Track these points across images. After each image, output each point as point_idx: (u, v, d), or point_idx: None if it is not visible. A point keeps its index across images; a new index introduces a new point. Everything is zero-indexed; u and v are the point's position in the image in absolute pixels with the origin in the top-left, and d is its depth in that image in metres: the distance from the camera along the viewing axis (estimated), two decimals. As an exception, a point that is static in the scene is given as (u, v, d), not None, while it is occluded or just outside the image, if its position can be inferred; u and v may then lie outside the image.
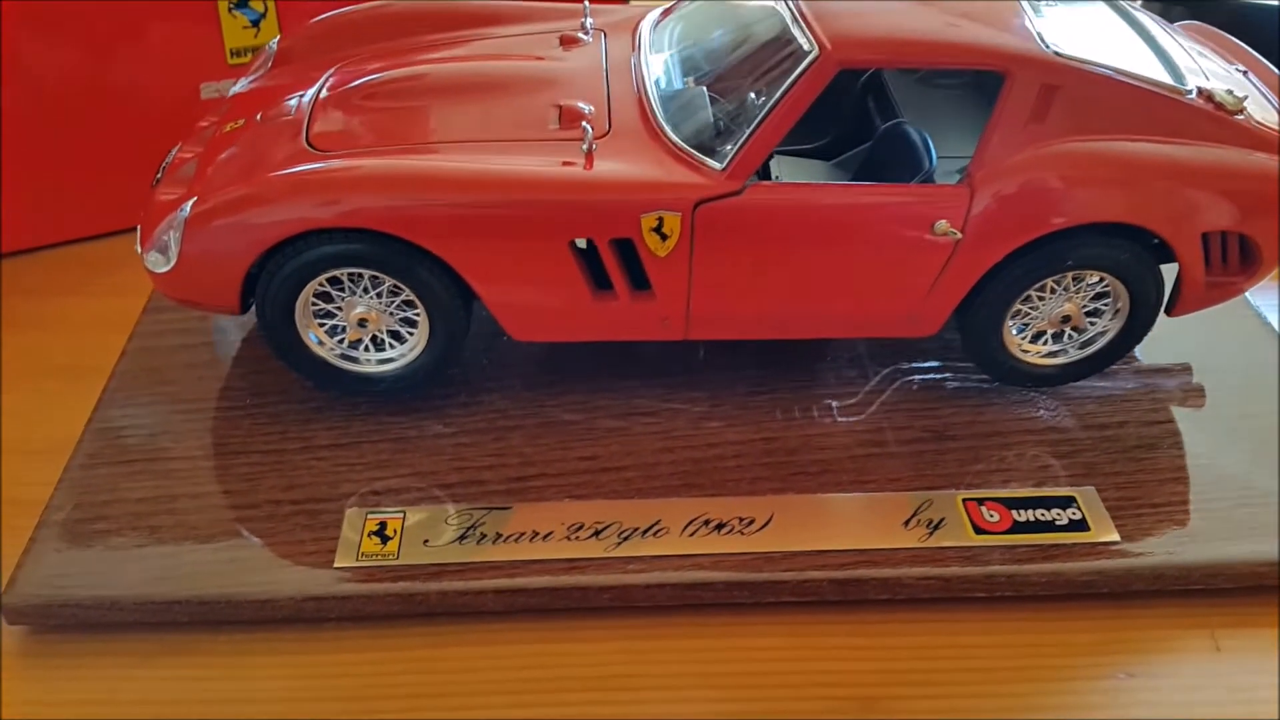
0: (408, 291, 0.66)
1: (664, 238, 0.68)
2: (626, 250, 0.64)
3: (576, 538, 0.64)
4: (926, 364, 0.75)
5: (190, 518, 0.65)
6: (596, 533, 0.65)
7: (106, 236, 0.96)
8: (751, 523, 0.69)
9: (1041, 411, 0.76)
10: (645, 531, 0.68)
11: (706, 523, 0.65)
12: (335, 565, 0.62)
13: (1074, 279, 0.72)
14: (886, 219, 0.69)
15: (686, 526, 0.65)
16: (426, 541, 0.64)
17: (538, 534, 0.64)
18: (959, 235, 0.68)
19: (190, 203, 0.70)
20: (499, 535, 0.64)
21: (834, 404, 0.72)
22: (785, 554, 0.66)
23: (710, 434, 0.70)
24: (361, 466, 0.68)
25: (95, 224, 0.97)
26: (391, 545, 0.64)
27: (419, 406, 0.71)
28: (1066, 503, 0.70)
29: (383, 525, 0.65)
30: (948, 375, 0.75)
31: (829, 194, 0.64)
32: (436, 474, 0.67)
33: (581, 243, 0.64)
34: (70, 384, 0.74)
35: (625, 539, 0.66)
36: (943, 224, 0.68)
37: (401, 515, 0.66)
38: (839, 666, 0.62)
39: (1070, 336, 0.76)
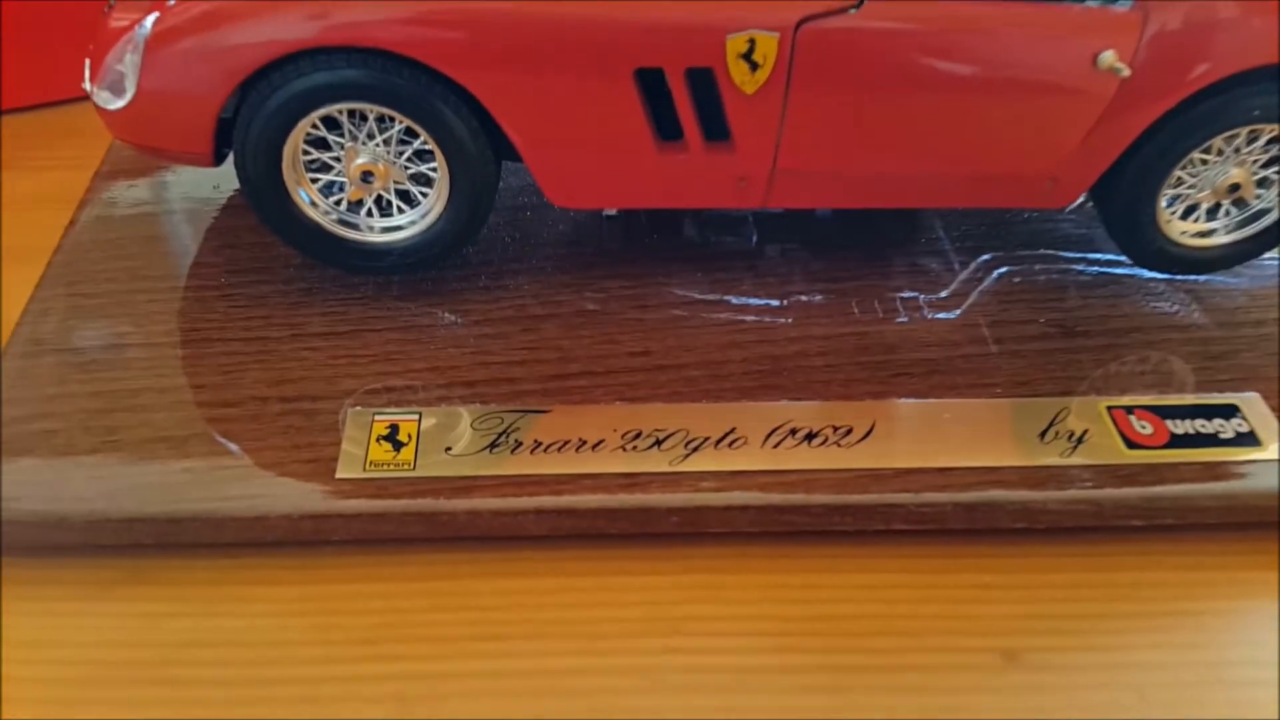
0: (423, 137, 0.59)
1: (754, 67, 0.55)
2: (703, 86, 0.57)
3: (634, 448, 0.58)
4: (1034, 250, 0.69)
5: (156, 417, 0.58)
6: (658, 442, 0.58)
7: (48, 107, 0.88)
8: (849, 432, 0.59)
9: (1177, 307, 0.66)
10: (719, 441, 0.58)
11: (793, 432, 0.59)
12: (337, 476, 0.55)
13: (1248, 138, 0.59)
14: (1039, 48, 0.56)
15: (769, 436, 0.58)
16: (449, 450, 0.57)
17: (585, 443, 0.57)
18: (1126, 72, 0.55)
19: (151, 19, 0.57)
20: (537, 444, 0.57)
21: (921, 297, 0.66)
22: (896, 471, 0.57)
23: (786, 328, 0.63)
24: (365, 359, 0.61)
25: (34, 92, 0.89)
26: (406, 453, 0.57)
27: (432, 289, 0.65)
28: (1229, 412, 0.60)
29: (394, 429, 0.58)
30: (1060, 263, 0.68)
31: (967, 13, 0.54)
32: (456, 369, 0.61)
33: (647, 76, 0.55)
34: (9, 269, 0.69)
35: (694, 450, 0.58)
36: (1108, 56, 0.55)
37: (416, 417, 0.59)
38: (968, 610, 0.52)
39: (1228, 213, 0.63)
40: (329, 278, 0.65)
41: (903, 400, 0.60)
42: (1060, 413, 0.60)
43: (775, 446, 0.58)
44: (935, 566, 0.54)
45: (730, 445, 0.57)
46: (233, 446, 0.57)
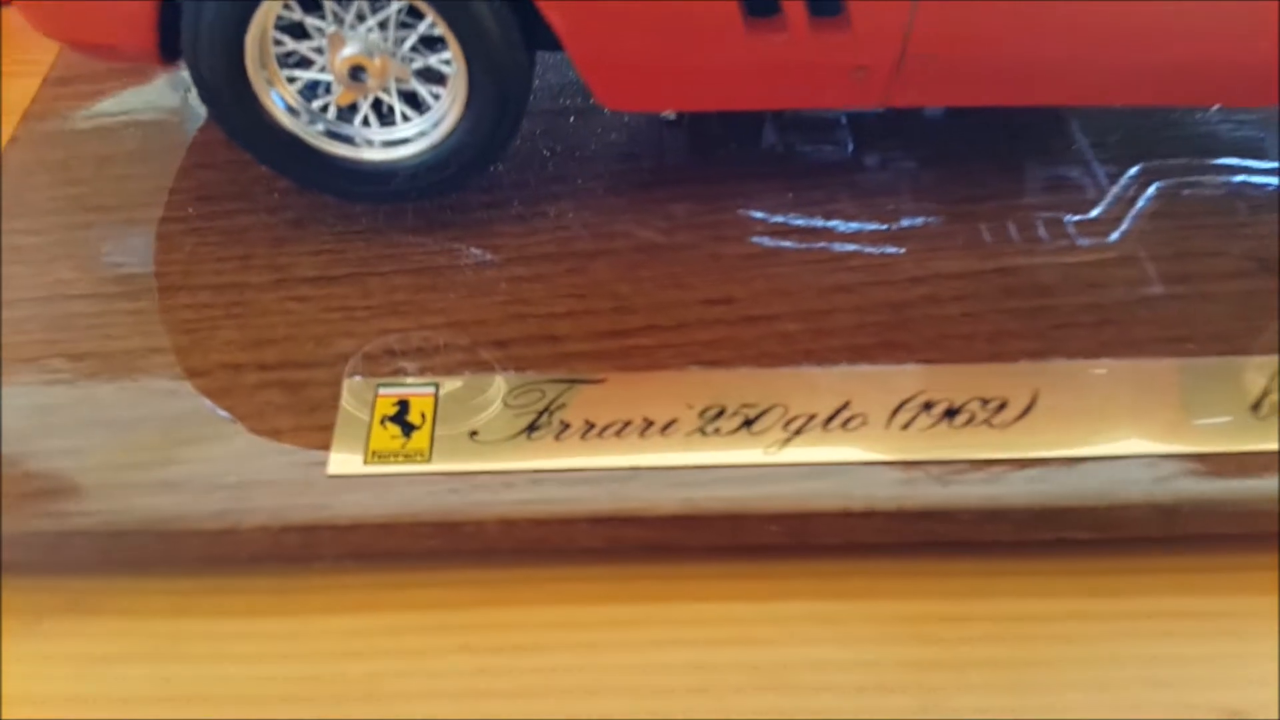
0: (431, 17, 0.49)
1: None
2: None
3: (716, 430, 0.48)
4: (1197, 160, 0.60)
5: (99, 392, 0.50)
6: (748, 422, 0.48)
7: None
8: (1002, 407, 0.48)
9: None
10: (828, 420, 0.48)
11: (927, 406, 0.48)
12: (330, 472, 0.47)
13: None
14: None
15: (895, 413, 0.48)
16: (475, 434, 0.48)
17: (651, 424, 0.48)
18: None
19: None
20: (590, 425, 0.48)
21: (1068, 219, 0.56)
22: (1068, 460, 0.47)
23: (904, 263, 0.54)
24: (366, 312, 0.52)
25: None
26: (419, 439, 0.47)
27: (452, 221, 0.57)
28: None
29: (403, 407, 0.48)
30: (1229, 174, 0.59)
31: None
32: (484, 325, 0.52)
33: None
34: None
35: (796, 432, 0.48)
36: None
37: (433, 390, 0.49)
38: (1178, 651, 0.42)
39: None
40: (322, 206, 0.57)
41: (1070, 362, 0.50)
42: (1275, 378, 0.49)
43: (905, 427, 0.48)
44: (1129, 587, 0.45)
45: (844, 425, 0.48)
46: (201, 429, 0.49)
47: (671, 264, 0.55)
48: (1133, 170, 0.59)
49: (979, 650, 0.44)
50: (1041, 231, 0.56)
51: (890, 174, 0.60)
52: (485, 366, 0.51)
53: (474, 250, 0.56)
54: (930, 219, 0.58)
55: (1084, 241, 0.56)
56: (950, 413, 0.48)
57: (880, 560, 0.46)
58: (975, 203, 0.58)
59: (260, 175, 0.59)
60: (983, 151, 0.61)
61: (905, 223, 0.57)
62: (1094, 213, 0.57)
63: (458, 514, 0.45)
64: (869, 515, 0.46)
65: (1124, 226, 0.57)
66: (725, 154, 0.61)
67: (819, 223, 0.58)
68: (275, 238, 0.57)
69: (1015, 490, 0.46)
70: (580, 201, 0.59)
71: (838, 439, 0.48)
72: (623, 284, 0.54)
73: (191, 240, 0.57)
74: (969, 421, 0.48)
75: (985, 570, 0.46)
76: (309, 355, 0.51)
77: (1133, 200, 0.58)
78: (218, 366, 0.51)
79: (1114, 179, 0.59)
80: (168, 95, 0.67)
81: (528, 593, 0.46)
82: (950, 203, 0.58)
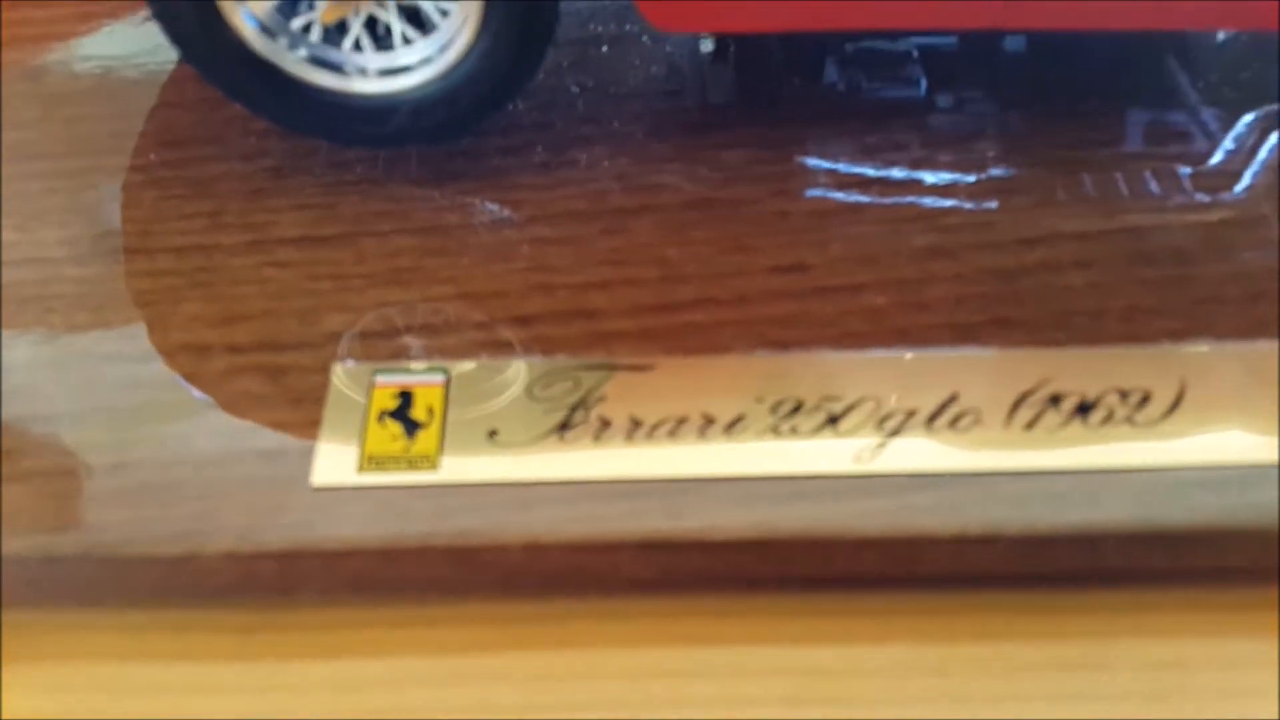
0: None
1: None
2: None
3: (793, 430, 0.41)
4: None
5: (35, 379, 0.44)
6: (831, 420, 0.41)
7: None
8: (1146, 401, 0.42)
9: None
10: (932, 417, 0.41)
11: (1053, 400, 0.42)
12: (314, 483, 0.40)
13: None
14: None
15: (1015, 408, 0.42)
16: (494, 434, 0.41)
17: (711, 421, 0.41)
18: None
19: None
20: (636, 423, 0.41)
21: (1183, 170, 0.51)
22: (1232, 468, 0.40)
23: (1015, 222, 0.49)
24: (361, 280, 0.47)
25: None
26: (426, 441, 0.41)
27: (463, 170, 0.52)
28: None
29: (406, 399, 0.42)
30: None
31: None
32: (503, 298, 0.46)
33: None
34: None
35: (893, 433, 0.41)
36: None
37: (442, 378, 0.43)
38: None
39: None
40: (309, 151, 0.52)
41: (1220, 344, 0.44)
42: None
43: (1029, 426, 0.41)
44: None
45: (953, 424, 0.41)
46: (150, 432, 0.42)
47: (728, 223, 0.49)
48: (1248, 116, 0.54)
49: (1129, 707, 0.38)
50: (1154, 185, 0.51)
51: (971, 117, 0.55)
52: (506, 349, 0.44)
53: (490, 206, 0.50)
54: (1024, 169, 0.52)
55: (1203, 197, 0.50)
56: (1084, 408, 0.41)
57: (1004, 595, 0.40)
58: (1072, 150, 0.52)
59: (236, 115, 0.53)
60: (1071, 91, 0.56)
61: (996, 172, 0.52)
62: (1211, 163, 0.52)
63: (473, 536, 0.39)
64: (989, 541, 0.39)
65: (1248, 180, 0.51)
66: (783, 92, 0.56)
67: (900, 173, 0.52)
68: (252, 190, 0.51)
69: (1169, 506, 0.39)
70: (616, 147, 0.53)
71: (946, 441, 0.41)
72: (670, 247, 0.48)
73: (152, 194, 0.51)
74: (1107, 419, 0.41)
75: (1133, 604, 0.40)
76: (290, 334, 0.45)
77: (1253, 150, 0.53)
78: (179, 349, 0.45)
79: (1225, 125, 0.54)
80: (130, 26, 0.61)
81: (561, 634, 0.40)
82: (1044, 150, 0.52)
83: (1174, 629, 0.40)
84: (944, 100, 0.55)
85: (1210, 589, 0.40)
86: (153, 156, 0.53)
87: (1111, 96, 0.55)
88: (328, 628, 0.40)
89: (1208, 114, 0.54)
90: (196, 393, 0.43)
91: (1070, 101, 0.54)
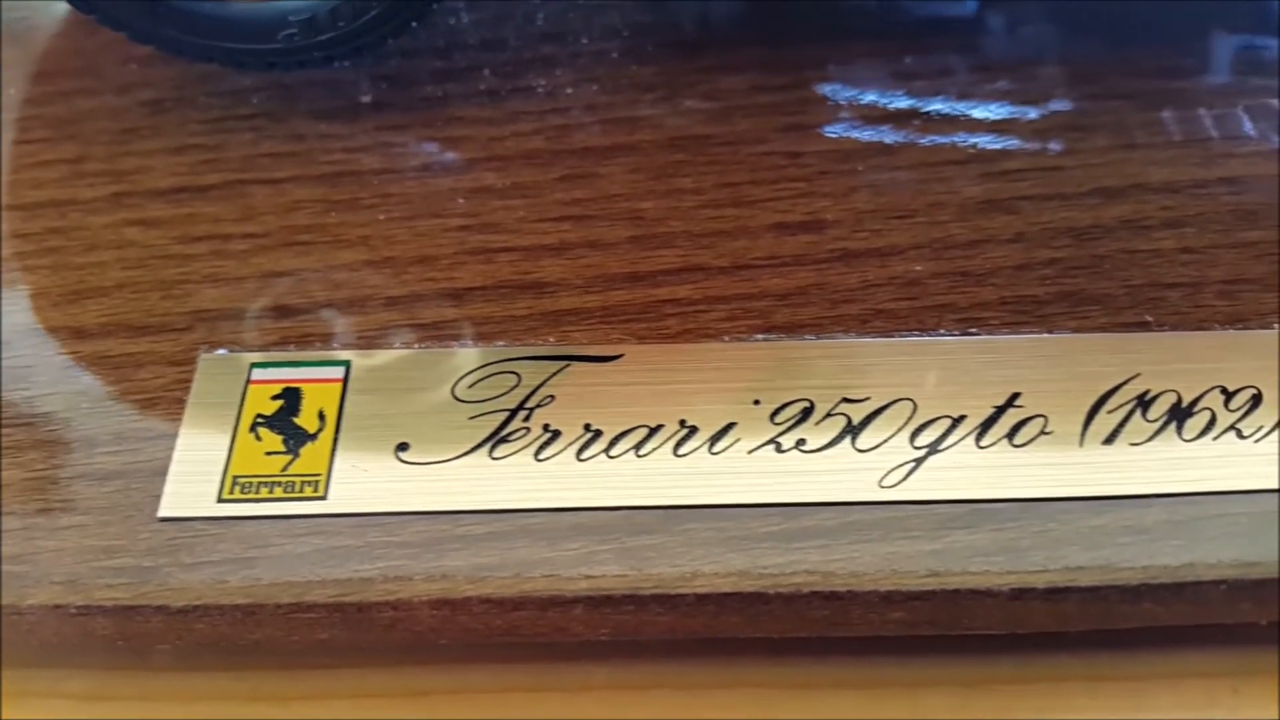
0: None
1: None
2: None
3: (799, 444, 0.35)
4: None
5: None
6: (850, 429, 0.35)
7: None
8: (1257, 402, 0.35)
9: None
10: (985, 426, 0.35)
11: (1143, 401, 0.35)
12: (163, 514, 0.34)
13: None
14: None
15: (1094, 412, 0.35)
16: (405, 448, 0.35)
17: (694, 430, 0.35)
18: None
19: None
20: (593, 435, 0.35)
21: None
22: None
23: (1090, 169, 0.43)
24: (245, 243, 0.41)
25: None
26: (313, 456, 0.34)
27: (387, 100, 0.46)
28: None
29: (291, 399, 0.36)
30: None
31: None
32: (429, 264, 0.40)
33: None
34: None
35: (932, 448, 0.34)
36: None
37: (340, 373, 0.36)
38: None
39: None
40: (196, 80, 0.47)
41: None
42: None
43: (1110, 438, 0.34)
44: None
45: (1012, 435, 0.35)
46: None
47: (723, 168, 0.43)
48: None
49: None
50: (1250, 126, 0.45)
51: (1027, 41, 0.50)
52: (428, 333, 0.38)
53: (420, 146, 0.44)
54: (1096, 103, 0.46)
55: None
56: (1180, 412, 0.35)
57: (1077, 663, 0.34)
58: (1153, 81, 0.47)
59: (114, 39, 0.47)
60: (1146, 12, 0.50)
61: (1064, 107, 0.46)
62: None
63: (371, 588, 0.32)
64: (1059, 593, 0.32)
65: None
66: (799, 6, 0.50)
67: (944, 106, 0.46)
68: (123, 129, 0.46)
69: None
70: (584, 71, 0.47)
71: (1002, 459, 0.34)
72: (647, 199, 0.42)
73: (5, 137, 0.46)
74: (1209, 428, 0.35)
75: (1246, 670, 0.34)
76: (150, 314, 0.39)
77: None
78: (14, 334, 0.39)
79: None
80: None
81: (486, 715, 0.33)
82: (1119, 81, 0.47)
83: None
84: (997, 20, 0.51)
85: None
86: (13, 92, 0.47)
87: (1196, 16, 0.50)
88: (180, 698, 0.34)
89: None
90: (22, 393, 0.36)
91: (1135, 24, 0.50)
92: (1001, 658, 0.33)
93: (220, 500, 0.33)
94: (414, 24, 0.42)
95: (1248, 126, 0.45)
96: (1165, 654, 0.34)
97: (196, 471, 0.34)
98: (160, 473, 0.34)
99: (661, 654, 0.34)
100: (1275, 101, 0.47)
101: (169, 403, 0.36)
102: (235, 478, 0.33)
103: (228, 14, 0.42)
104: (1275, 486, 0.34)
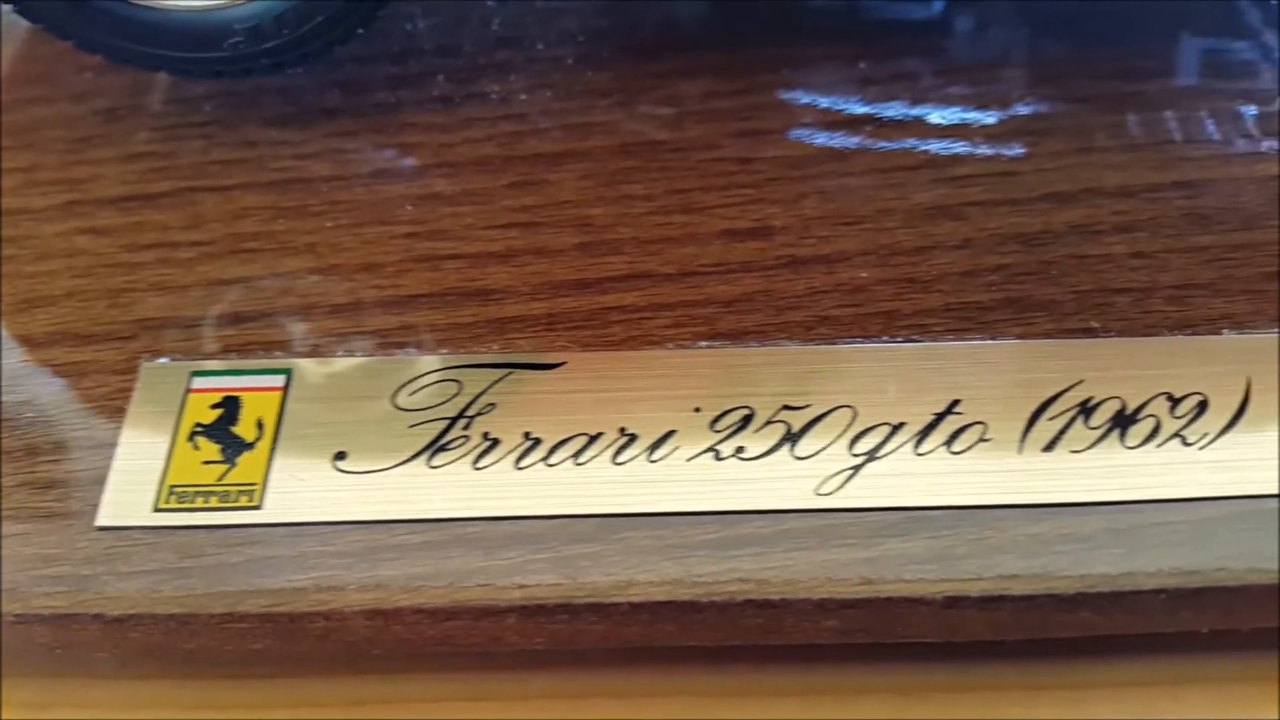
0: None
1: None
2: None
3: (739, 451, 0.35)
4: None
5: None
6: (790, 436, 0.35)
7: None
8: (1202, 409, 0.35)
9: None
10: (925, 432, 0.35)
11: (1086, 409, 0.35)
12: (101, 523, 0.34)
13: None
14: None
15: (1034, 420, 0.35)
16: (343, 457, 0.35)
17: (634, 438, 0.35)
18: None
19: None
20: (532, 443, 0.35)
21: (1246, 110, 0.46)
22: None
23: (1044, 174, 0.44)
24: (192, 250, 0.41)
25: None
26: (249, 466, 0.35)
27: (339, 106, 0.47)
28: None
29: (230, 408, 0.36)
30: None
31: None
32: (375, 271, 0.40)
33: None
34: None
35: (871, 455, 0.34)
36: None
37: (282, 380, 0.37)
38: None
39: None
40: (151, 88, 0.47)
41: None
42: None
43: (1050, 446, 0.34)
44: None
45: (950, 442, 0.35)
46: None
47: (675, 174, 0.43)
48: None
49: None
50: (1213, 129, 0.45)
51: (995, 43, 0.50)
52: (372, 341, 0.38)
53: (371, 153, 0.45)
54: (1056, 106, 0.46)
55: (1273, 145, 0.45)
56: (1123, 419, 0.35)
57: (1013, 672, 0.34)
58: (1115, 84, 0.47)
59: (69, 48, 0.46)
60: (1112, 13, 0.50)
61: (1024, 110, 0.46)
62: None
63: (303, 599, 0.32)
64: (994, 601, 0.32)
65: None
66: (760, 7, 0.50)
67: (901, 111, 0.46)
68: (77, 138, 0.46)
69: (1233, 552, 0.32)
70: (539, 77, 0.47)
71: (940, 466, 0.34)
72: (596, 206, 0.42)
73: None
74: (1152, 435, 0.35)
75: (1186, 679, 0.34)
76: (96, 322, 0.39)
77: None
78: None
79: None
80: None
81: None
82: (1081, 84, 0.47)
83: (1234, 709, 0.34)
84: (964, 22, 0.51)
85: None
86: (-31, 98, 0.48)
87: (1163, 19, 0.50)
88: (120, 705, 0.34)
89: (1273, 42, 0.49)
90: (-34, 402, 0.37)
91: (1108, 26, 0.50)
92: (939, 666, 0.34)
93: (157, 509, 0.33)
94: (360, 30, 0.42)
95: (1207, 130, 0.46)
96: (1104, 662, 0.34)
97: (135, 480, 0.34)
98: (100, 481, 0.35)
99: (599, 662, 0.34)
100: (1235, 104, 0.47)
101: (111, 411, 0.36)
102: (172, 487, 0.34)
103: (174, 22, 0.42)
104: (1219, 494, 0.33)
